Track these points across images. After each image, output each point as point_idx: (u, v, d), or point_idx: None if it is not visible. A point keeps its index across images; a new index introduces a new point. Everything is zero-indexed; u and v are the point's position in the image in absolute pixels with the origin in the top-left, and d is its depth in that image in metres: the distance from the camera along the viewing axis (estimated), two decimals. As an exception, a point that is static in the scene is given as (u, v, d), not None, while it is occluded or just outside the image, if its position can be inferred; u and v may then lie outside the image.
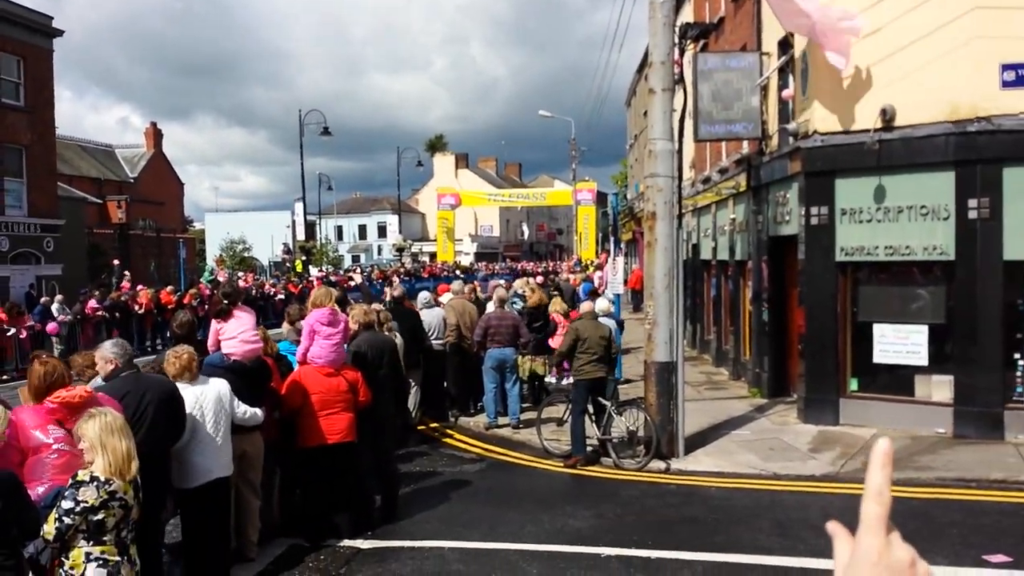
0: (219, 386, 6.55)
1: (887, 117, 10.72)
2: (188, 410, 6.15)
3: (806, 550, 6.95)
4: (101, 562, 4.17)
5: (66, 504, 4.11)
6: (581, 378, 10.14)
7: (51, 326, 20.46)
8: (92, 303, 22.21)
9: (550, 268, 45.16)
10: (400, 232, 58.77)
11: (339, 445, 7.50)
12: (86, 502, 4.11)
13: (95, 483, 4.15)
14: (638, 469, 9.70)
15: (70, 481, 4.24)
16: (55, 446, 4.71)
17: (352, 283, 32.09)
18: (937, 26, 10.41)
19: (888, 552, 0.72)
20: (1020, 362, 10.44)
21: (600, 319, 10.89)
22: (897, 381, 11.21)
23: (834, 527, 0.79)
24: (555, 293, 17.52)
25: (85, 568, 4.14)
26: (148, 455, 5.06)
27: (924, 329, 10.91)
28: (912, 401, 11.07)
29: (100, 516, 4.15)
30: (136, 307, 23.53)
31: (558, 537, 7.51)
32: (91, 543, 4.18)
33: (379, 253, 77.47)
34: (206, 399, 6.39)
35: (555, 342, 13.89)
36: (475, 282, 17.05)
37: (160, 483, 5.78)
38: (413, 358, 11.40)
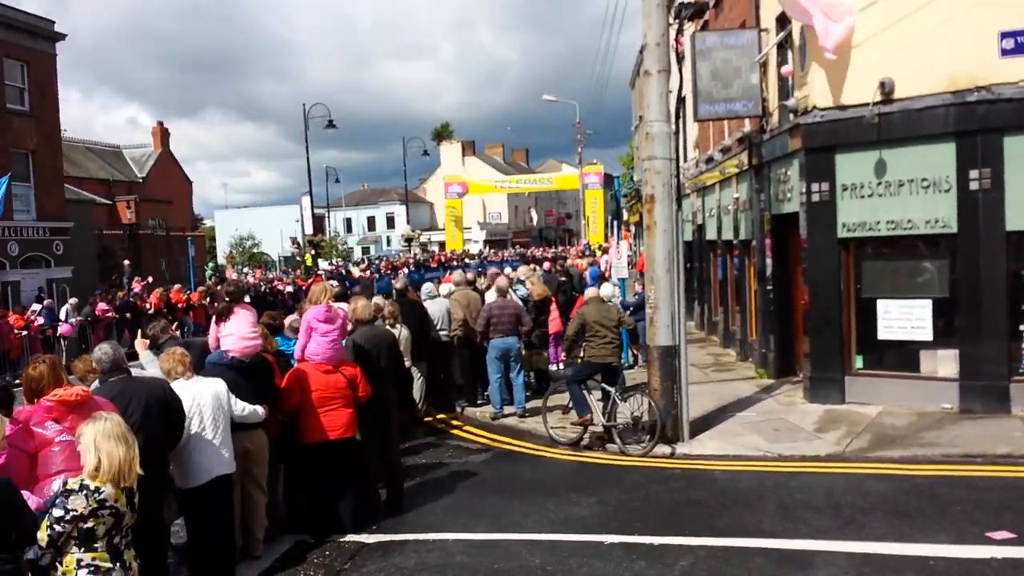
0: (215, 385, 6.57)
1: (886, 90, 10.62)
2: (185, 409, 6.17)
3: (808, 532, 6.94)
4: (92, 568, 4.19)
5: (56, 512, 4.13)
6: (591, 359, 10.19)
7: (64, 327, 20.64)
8: (102, 305, 22.35)
9: (559, 252, 45.06)
10: (408, 222, 58.82)
11: (341, 440, 7.52)
12: (75, 510, 4.12)
13: (84, 491, 4.17)
14: (643, 455, 9.69)
15: (61, 488, 4.26)
16: (57, 439, 4.87)
17: (355, 275, 32.22)
18: (932, -3, 10.29)
19: None
20: (1026, 334, 10.36)
21: (607, 303, 10.93)
22: (902, 357, 11.16)
23: None
24: (563, 279, 17.48)
25: (76, 574, 4.16)
26: (142, 461, 5.09)
27: (928, 304, 10.83)
28: (918, 377, 11.02)
29: (90, 524, 4.16)
30: (146, 307, 23.64)
31: (562, 526, 7.51)
32: (82, 550, 4.19)
33: (388, 244, 77.69)
34: (203, 398, 6.41)
35: (552, 327, 13.91)
36: (472, 271, 17.03)
37: (159, 486, 5.79)
38: (419, 350, 11.41)
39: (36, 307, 21.72)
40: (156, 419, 5.77)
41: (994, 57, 10.08)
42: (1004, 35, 10.02)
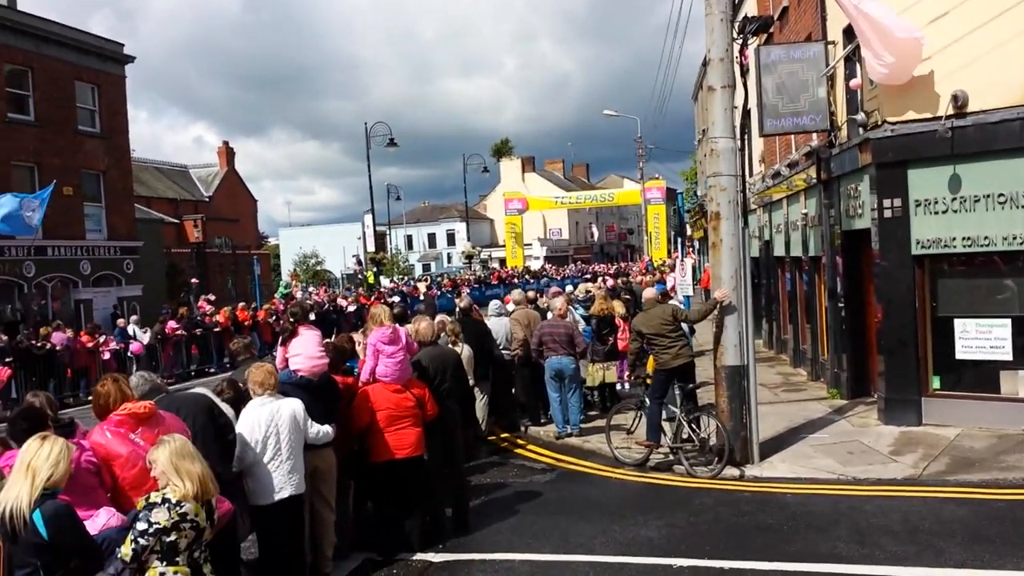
0: (294, 405, 6.62)
1: (959, 103, 10.34)
2: (262, 427, 6.28)
3: (885, 558, 6.73)
4: (174, 583, 4.28)
5: (140, 526, 4.23)
6: (661, 368, 10.05)
7: (135, 346, 21.21)
8: (171, 323, 22.91)
9: (621, 269, 44.74)
10: (468, 239, 59.09)
11: (409, 459, 7.56)
12: (158, 523, 4.22)
13: (166, 504, 4.26)
14: (711, 477, 9.53)
15: (142, 503, 4.36)
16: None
17: (421, 293, 32.51)
18: (1007, 7, 10.03)
19: None
20: (1113, 353, 9.94)
21: (661, 304, 10.70)
22: (981, 377, 10.79)
23: None
24: (627, 297, 17.32)
25: (159, 589, 4.25)
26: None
27: (1008, 322, 10.47)
28: (998, 398, 10.64)
29: (172, 537, 4.25)
30: (213, 324, 24.19)
31: (630, 548, 7.42)
32: (165, 563, 4.28)
33: (448, 261, 78.19)
34: (281, 417, 6.48)
35: (620, 345, 13.77)
36: (535, 291, 17.05)
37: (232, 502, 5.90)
38: (482, 369, 11.42)
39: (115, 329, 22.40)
40: (208, 433, 5.96)
41: (1071, 67, 9.75)
42: (1082, 44, 9.68)
